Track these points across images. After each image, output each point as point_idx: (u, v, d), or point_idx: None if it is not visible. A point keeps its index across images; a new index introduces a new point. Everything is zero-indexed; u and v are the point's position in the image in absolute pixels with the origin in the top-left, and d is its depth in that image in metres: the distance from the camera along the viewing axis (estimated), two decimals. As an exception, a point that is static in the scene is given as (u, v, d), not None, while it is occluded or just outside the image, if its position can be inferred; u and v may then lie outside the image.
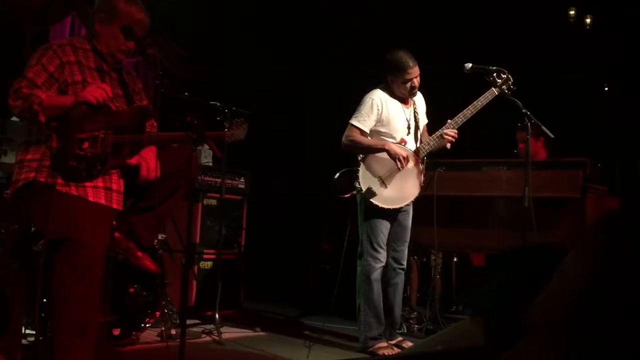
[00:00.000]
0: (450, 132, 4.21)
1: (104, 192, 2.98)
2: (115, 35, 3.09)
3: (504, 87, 4.23)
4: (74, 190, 2.90)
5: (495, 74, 4.26)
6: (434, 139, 4.26)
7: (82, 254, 2.78)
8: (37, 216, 3.00)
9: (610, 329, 0.92)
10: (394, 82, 4.27)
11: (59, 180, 2.88)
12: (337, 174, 4.47)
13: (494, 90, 4.23)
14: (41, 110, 2.85)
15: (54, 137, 2.92)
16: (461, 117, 4.24)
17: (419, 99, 4.47)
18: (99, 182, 2.97)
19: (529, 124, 4.12)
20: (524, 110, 4.15)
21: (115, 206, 3.02)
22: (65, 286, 2.80)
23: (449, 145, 4.25)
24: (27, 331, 3.52)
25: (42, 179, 2.89)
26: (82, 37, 3.22)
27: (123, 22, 3.06)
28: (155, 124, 3.28)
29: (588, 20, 6.72)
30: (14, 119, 4.13)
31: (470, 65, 4.26)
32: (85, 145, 2.91)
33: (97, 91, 2.92)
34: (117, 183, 3.06)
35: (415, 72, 4.22)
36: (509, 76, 4.24)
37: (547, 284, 1.03)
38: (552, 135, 4.29)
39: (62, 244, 2.81)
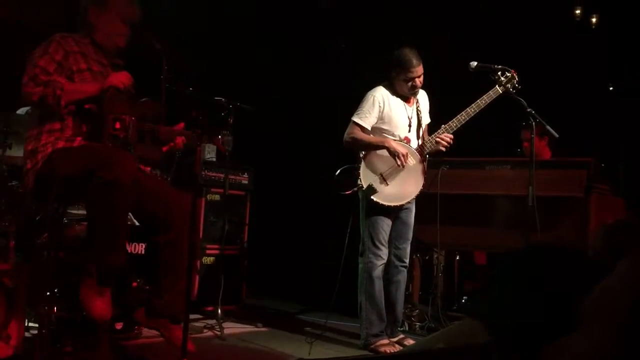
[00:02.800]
0: (445, 137, 4.23)
1: None
2: (112, 20, 3.26)
3: (508, 85, 4.23)
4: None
5: (500, 73, 4.26)
6: (433, 140, 4.28)
7: (116, 187, 2.90)
8: (64, 165, 3.05)
9: None
10: (396, 78, 4.27)
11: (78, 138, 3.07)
12: (339, 171, 4.48)
13: (498, 89, 4.24)
14: (63, 94, 3.01)
15: (70, 124, 3.10)
16: (464, 116, 4.24)
17: (423, 98, 4.47)
18: None
19: (533, 122, 4.12)
20: (528, 109, 4.14)
21: None
22: (101, 213, 2.97)
23: (443, 149, 4.28)
24: (30, 324, 3.53)
25: (59, 146, 3.08)
26: (79, 33, 3.34)
27: (115, 8, 3.25)
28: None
29: (594, 20, 6.70)
30: (19, 112, 4.14)
31: (475, 63, 4.26)
32: (118, 125, 3.06)
33: (122, 77, 3.11)
34: None
35: (418, 71, 4.21)
36: (514, 75, 4.25)
37: (607, 278, 1.05)
38: (556, 135, 4.28)
39: (91, 180, 2.93)
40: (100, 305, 3.00)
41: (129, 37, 3.34)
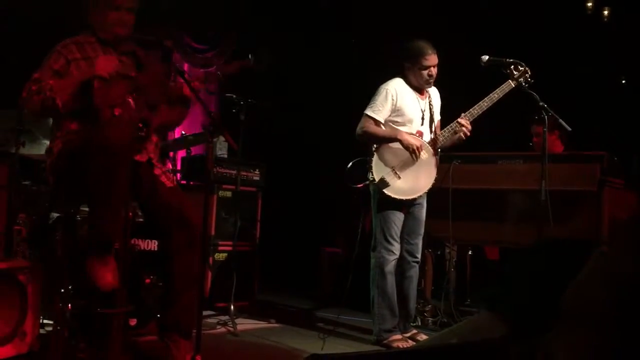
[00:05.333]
0: (464, 121, 4.19)
1: None
2: (104, 13, 3.23)
3: (520, 79, 4.20)
4: None
5: (512, 67, 4.23)
6: (447, 132, 4.24)
7: (108, 152, 2.88)
8: (66, 146, 3.12)
9: None
10: (411, 69, 4.25)
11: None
12: (350, 164, 4.47)
13: (511, 83, 4.21)
14: (55, 94, 3.00)
15: (66, 125, 3.10)
16: (477, 110, 4.22)
17: (435, 94, 4.45)
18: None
19: (546, 116, 4.09)
20: (541, 103, 4.12)
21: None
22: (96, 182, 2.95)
23: (463, 136, 4.21)
24: (45, 321, 3.56)
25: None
26: (86, 32, 3.34)
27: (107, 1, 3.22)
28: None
29: (606, 12, 6.65)
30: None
31: (487, 57, 4.23)
32: (117, 112, 3.05)
33: (105, 64, 3.06)
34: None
35: (433, 59, 4.20)
36: (527, 69, 4.22)
37: (578, 275, 1.03)
38: (569, 128, 4.26)
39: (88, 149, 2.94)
40: (106, 274, 2.99)
41: (130, 24, 3.28)
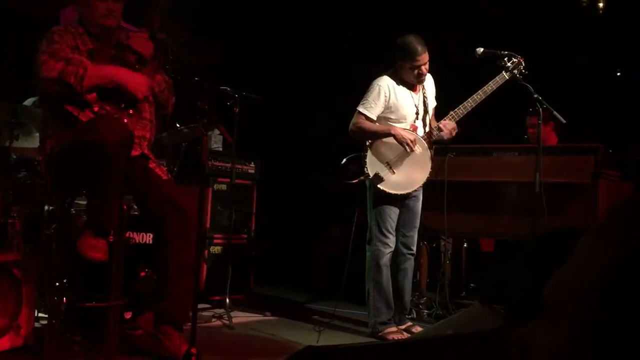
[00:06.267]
0: (448, 124, 4.20)
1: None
2: (90, 5, 3.19)
3: (515, 71, 4.21)
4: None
5: (506, 59, 4.23)
6: (436, 129, 4.26)
7: (101, 149, 2.85)
8: (58, 143, 3.10)
9: (633, 312, 0.92)
10: (403, 67, 4.24)
11: None
12: (345, 160, 4.46)
13: (505, 75, 4.21)
14: (86, 76, 2.98)
15: (58, 122, 3.10)
16: (471, 102, 4.22)
17: (429, 82, 4.44)
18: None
19: (540, 108, 4.10)
20: (535, 95, 4.12)
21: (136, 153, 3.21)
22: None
23: (446, 137, 4.24)
24: (40, 314, 3.56)
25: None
26: (76, 22, 3.30)
27: None
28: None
29: (601, 5, 6.64)
30: (26, 103, 4.15)
31: (481, 49, 4.24)
32: (95, 108, 3.08)
33: (143, 85, 3.20)
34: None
35: (424, 58, 4.18)
36: (521, 60, 4.22)
37: (562, 265, 1.02)
38: (564, 120, 4.26)
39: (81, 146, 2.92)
40: (97, 248, 2.99)
41: (118, 14, 3.25)
